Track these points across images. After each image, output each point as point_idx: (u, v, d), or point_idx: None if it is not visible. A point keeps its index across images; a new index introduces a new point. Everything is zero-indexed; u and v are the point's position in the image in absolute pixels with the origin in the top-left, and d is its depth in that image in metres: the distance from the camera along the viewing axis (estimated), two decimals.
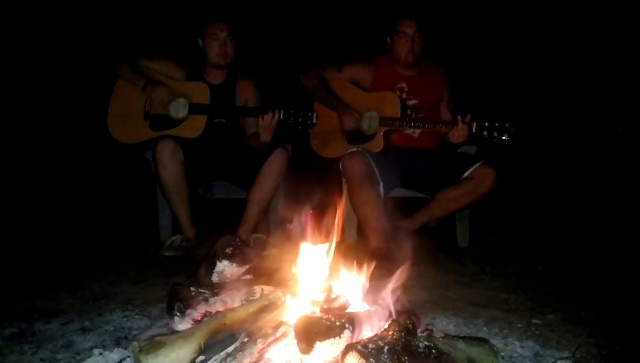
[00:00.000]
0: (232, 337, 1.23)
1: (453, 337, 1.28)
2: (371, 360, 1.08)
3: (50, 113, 5.19)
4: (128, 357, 1.41)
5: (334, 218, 1.55)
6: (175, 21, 5.10)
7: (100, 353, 1.44)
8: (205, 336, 1.21)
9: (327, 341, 1.17)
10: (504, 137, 2.61)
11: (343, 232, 2.89)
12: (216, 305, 1.49)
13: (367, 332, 1.30)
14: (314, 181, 3.19)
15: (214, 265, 1.70)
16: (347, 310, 1.35)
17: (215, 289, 1.56)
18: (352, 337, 1.22)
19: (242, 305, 1.40)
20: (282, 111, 2.75)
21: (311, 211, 1.58)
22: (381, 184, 2.77)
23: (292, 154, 3.02)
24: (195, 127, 2.84)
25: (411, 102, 2.93)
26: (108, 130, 2.90)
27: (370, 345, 1.13)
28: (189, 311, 1.48)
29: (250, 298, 1.44)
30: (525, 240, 3.16)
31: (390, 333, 1.18)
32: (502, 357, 1.46)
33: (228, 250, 1.71)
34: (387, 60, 3.00)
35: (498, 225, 3.55)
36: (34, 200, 4.18)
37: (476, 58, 5.55)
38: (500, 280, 2.32)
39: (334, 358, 1.20)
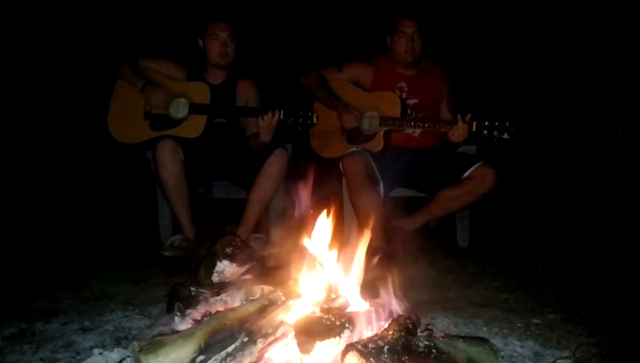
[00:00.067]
0: (232, 337, 1.23)
1: (453, 336, 1.28)
2: (371, 359, 1.08)
3: (50, 113, 5.19)
4: (128, 356, 1.41)
5: (334, 218, 1.55)
6: (175, 21, 5.10)
7: (100, 353, 1.44)
8: (205, 336, 1.21)
9: (327, 341, 1.17)
10: (504, 136, 2.61)
11: (343, 232, 2.91)
12: (216, 305, 1.49)
13: (367, 331, 1.30)
14: (313, 181, 3.19)
15: (214, 265, 1.70)
16: (347, 310, 1.35)
17: (215, 289, 1.56)
18: (352, 337, 1.22)
19: (242, 305, 1.40)
20: (282, 111, 2.75)
21: (311, 211, 1.58)
22: (381, 184, 2.77)
23: (292, 154, 3.02)
24: (195, 127, 2.84)
25: (411, 102, 2.94)
26: (108, 130, 2.90)
27: (370, 345, 1.13)
28: (189, 311, 1.48)
29: (250, 298, 1.45)
30: (525, 240, 3.15)
31: (390, 333, 1.18)
32: (502, 357, 1.46)
33: (228, 250, 1.71)
34: (387, 59, 3.00)
35: (498, 225, 3.55)
36: (34, 200, 4.18)
37: (476, 57, 5.55)
38: (500, 280, 2.32)
39: (334, 358, 1.20)
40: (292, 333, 1.26)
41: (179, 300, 1.51)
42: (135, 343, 1.17)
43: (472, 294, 2.14)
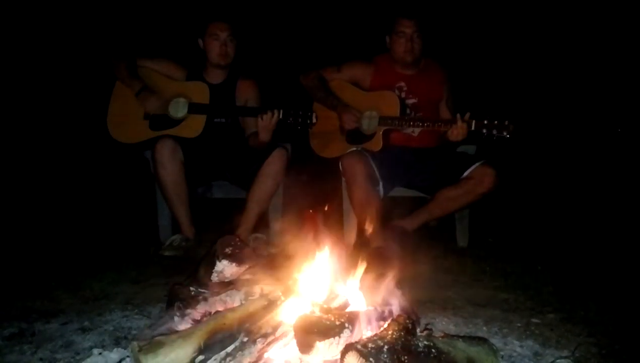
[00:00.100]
0: (231, 337, 1.23)
1: (452, 336, 1.28)
2: (371, 359, 1.08)
3: (50, 113, 5.19)
4: (127, 356, 1.40)
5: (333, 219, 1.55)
6: (175, 21, 5.10)
7: (100, 353, 1.44)
8: (205, 336, 1.21)
9: (326, 341, 1.17)
10: (503, 135, 2.61)
11: (343, 232, 2.92)
12: (216, 305, 1.49)
13: (366, 331, 1.30)
14: (313, 181, 3.20)
15: (214, 265, 1.70)
16: (346, 310, 1.35)
17: (215, 289, 1.56)
18: (351, 337, 1.22)
19: (241, 305, 1.40)
20: (281, 111, 2.75)
21: (310, 211, 1.58)
22: (381, 184, 2.78)
23: (292, 154, 3.01)
24: (194, 126, 2.84)
25: (410, 101, 2.94)
26: (107, 130, 2.90)
27: (370, 345, 1.13)
28: (188, 311, 1.48)
29: (250, 298, 1.45)
30: (525, 240, 3.16)
31: (389, 332, 1.18)
32: (502, 357, 1.46)
33: (228, 250, 1.71)
34: (386, 59, 3.00)
35: (498, 225, 3.55)
36: (34, 200, 4.18)
37: (476, 57, 5.55)
38: (500, 280, 2.32)
39: (333, 358, 1.20)
40: (291, 333, 1.26)
41: (178, 300, 1.51)
42: (135, 343, 1.17)
43: (472, 294, 2.14)
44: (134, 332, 1.67)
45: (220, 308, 1.45)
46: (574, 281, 2.28)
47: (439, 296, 2.08)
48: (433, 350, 1.16)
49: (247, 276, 1.66)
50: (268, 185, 2.77)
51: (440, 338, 1.23)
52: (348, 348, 1.13)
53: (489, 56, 5.67)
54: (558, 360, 1.47)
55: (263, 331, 1.26)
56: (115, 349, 1.46)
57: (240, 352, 1.21)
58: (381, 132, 2.84)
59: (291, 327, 1.26)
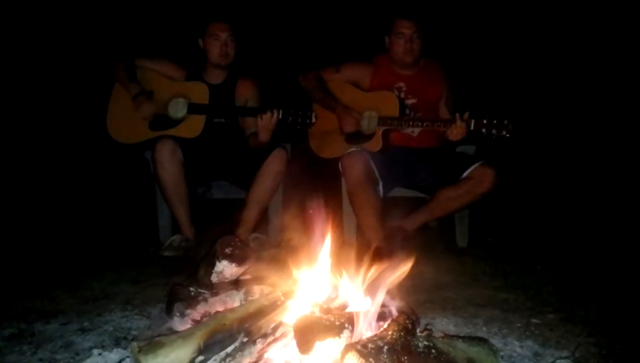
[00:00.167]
0: (231, 337, 1.23)
1: (452, 336, 1.28)
2: (371, 359, 1.08)
3: (49, 113, 5.19)
4: (127, 357, 1.41)
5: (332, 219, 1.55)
6: (175, 21, 5.10)
7: (100, 354, 1.44)
8: (205, 336, 1.21)
9: (326, 341, 1.17)
10: (502, 134, 2.61)
11: (342, 232, 2.92)
12: (215, 305, 1.49)
13: (366, 331, 1.30)
14: (313, 181, 3.20)
15: (214, 265, 1.70)
16: (346, 310, 1.35)
17: (215, 289, 1.56)
18: (351, 337, 1.22)
19: (241, 305, 1.40)
20: (281, 111, 2.75)
21: (310, 211, 1.58)
22: (380, 184, 2.77)
23: (291, 154, 3.01)
24: (194, 127, 2.84)
25: (410, 102, 2.93)
26: (107, 130, 2.90)
27: (370, 345, 1.13)
28: (188, 311, 1.48)
29: (250, 298, 1.45)
30: (525, 240, 3.16)
31: (389, 333, 1.18)
32: (502, 357, 1.46)
33: (227, 250, 1.71)
34: (385, 60, 3.00)
35: (497, 225, 3.55)
36: (33, 200, 4.18)
37: (475, 56, 5.55)
38: (500, 280, 2.32)
39: (333, 358, 1.20)
40: (291, 334, 1.26)
41: (178, 300, 1.51)
42: (135, 344, 1.17)
43: (472, 294, 2.14)
44: (133, 332, 1.67)
45: (220, 309, 1.46)
46: (574, 281, 2.28)
47: (439, 296, 2.08)
48: (433, 351, 1.16)
49: (247, 276, 1.66)
50: (268, 185, 2.77)
51: (440, 339, 1.23)
52: (348, 348, 1.13)
53: (489, 56, 5.67)
54: (558, 361, 1.47)
55: (263, 331, 1.27)
56: (115, 349, 1.47)
57: (240, 353, 1.21)
58: (381, 132, 2.84)
59: (291, 327, 1.26)
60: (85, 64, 4.72)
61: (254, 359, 1.23)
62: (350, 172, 2.72)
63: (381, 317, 1.36)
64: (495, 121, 2.62)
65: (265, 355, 1.26)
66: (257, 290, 1.48)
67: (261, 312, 1.30)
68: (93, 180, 4.88)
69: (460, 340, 1.26)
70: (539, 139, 5.22)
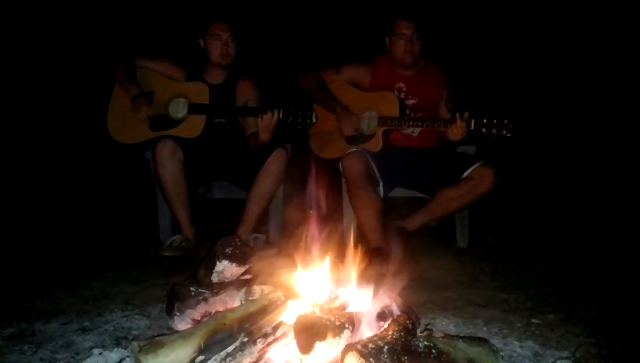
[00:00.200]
0: (231, 337, 1.23)
1: (453, 336, 1.28)
2: (371, 359, 1.08)
3: (50, 113, 5.19)
4: (128, 356, 1.41)
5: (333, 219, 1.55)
6: (175, 21, 5.11)
7: (100, 353, 1.44)
8: (205, 336, 1.21)
9: (327, 341, 1.17)
10: (502, 134, 2.61)
11: (343, 233, 2.92)
12: (216, 305, 1.49)
13: (367, 331, 1.30)
14: (313, 181, 3.20)
15: (214, 265, 1.70)
16: (347, 310, 1.35)
17: (215, 289, 1.56)
18: (351, 337, 1.22)
19: (241, 305, 1.40)
20: (281, 111, 2.75)
21: (310, 211, 1.58)
22: (381, 184, 2.77)
23: (291, 154, 3.01)
24: (194, 127, 2.84)
25: (410, 102, 2.94)
26: (108, 130, 2.90)
27: (370, 345, 1.13)
28: (188, 311, 1.48)
29: (250, 298, 1.45)
30: (525, 240, 3.16)
31: (390, 333, 1.18)
32: (502, 357, 1.46)
33: (228, 250, 1.71)
34: (385, 60, 3.00)
35: (497, 225, 3.55)
36: (34, 200, 4.18)
37: (475, 56, 5.55)
38: (500, 280, 2.32)
39: (333, 358, 1.20)
40: (291, 334, 1.26)
41: (178, 300, 1.51)
42: (135, 343, 1.17)
43: (472, 294, 2.14)
44: (134, 332, 1.67)
45: (220, 309, 1.45)
46: (574, 281, 2.28)
47: (439, 296, 2.08)
48: (433, 351, 1.16)
49: (248, 276, 1.66)
50: (268, 185, 2.77)
51: (440, 339, 1.23)
52: (348, 348, 1.13)
53: (488, 56, 5.67)
54: (558, 361, 1.47)
55: (263, 331, 1.27)
56: (115, 349, 1.47)
57: (240, 352, 1.21)
58: (381, 133, 2.84)
59: (291, 327, 1.26)
60: (86, 64, 4.72)
61: (254, 359, 1.23)
62: (351, 172, 2.72)
63: (381, 317, 1.36)
64: (495, 121, 2.62)
65: (266, 355, 1.26)
66: (257, 290, 1.47)
67: (261, 312, 1.30)
68: (93, 180, 4.88)
69: (461, 340, 1.26)
70: (539, 138, 5.22)
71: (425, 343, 1.18)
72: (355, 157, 2.75)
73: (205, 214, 3.09)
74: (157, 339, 1.19)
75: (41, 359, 1.46)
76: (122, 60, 2.88)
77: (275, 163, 2.76)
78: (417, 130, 2.91)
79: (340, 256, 1.50)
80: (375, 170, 2.77)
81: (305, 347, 1.18)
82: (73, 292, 2.07)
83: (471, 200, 2.72)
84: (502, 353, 1.48)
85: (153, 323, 1.74)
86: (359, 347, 1.12)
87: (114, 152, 3.24)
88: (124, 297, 2.04)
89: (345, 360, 1.11)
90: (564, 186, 5.02)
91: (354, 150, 2.82)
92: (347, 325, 1.22)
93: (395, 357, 1.11)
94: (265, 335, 1.26)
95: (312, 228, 1.53)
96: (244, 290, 1.51)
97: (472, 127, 2.65)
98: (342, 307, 1.36)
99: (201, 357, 1.19)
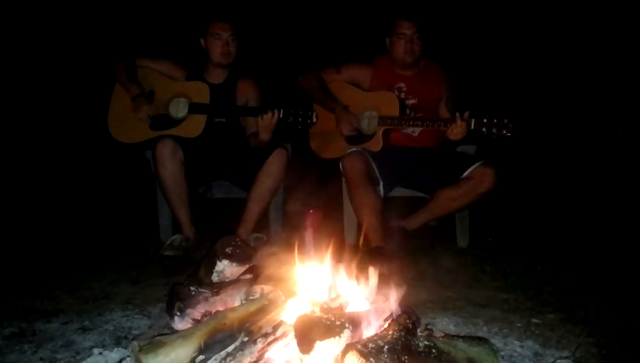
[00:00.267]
0: (232, 337, 1.23)
1: (453, 336, 1.28)
2: (371, 359, 1.08)
3: (50, 112, 5.19)
4: (128, 356, 1.41)
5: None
6: (176, 21, 5.11)
7: (100, 353, 1.44)
8: (205, 335, 1.21)
9: (327, 341, 1.17)
10: (503, 133, 2.60)
11: (343, 232, 2.92)
12: (216, 304, 1.49)
13: (367, 331, 1.30)
14: (314, 181, 3.20)
15: (214, 264, 1.70)
16: (347, 310, 1.35)
17: (215, 289, 1.56)
18: (352, 337, 1.22)
19: (242, 304, 1.40)
20: (281, 111, 2.75)
21: (312, 211, 1.58)
22: (381, 184, 2.78)
23: (292, 154, 3.01)
24: (195, 126, 2.84)
25: (410, 102, 2.94)
26: (108, 129, 2.90)
27: (370, 345, 1.13)
28: (188, 310, 1.48)
29: (250, 297, 1.45)
30: (525, 240, 3.16)
31: (390, 332, 1.18)
32: (502, 357, 1.46)
33: (228, 250, 1.71)
34: (385, 60, 3.00)
35: (498, 225, 3.55)
36: (34, 200, 4.18)
37: (475, 56, 5.55)
38: (500, 280, 2.33)
39: (334, 358, 1.20)
40: (292, 333, 1.26)
41: (178, 299, 1.51)
42: (135, 343, 1.17)
43: (472, 294, 2.14)
44: (134, 331, 1.67)
45: (220, 308, 1.45)
46: (574, 281, 2.28)
47: (439, 296, 2.08)
48: (433, 350, 1.16)
49: (248, 276, 1.66)
50: (268, 185, 2.77)
51: (440, 339, 1.23)
52: (348, 348, 1.13)
53: (489, 56, 5.67)
54: (558, 361, 1.47)
55: (263, 331, 1.27)
56: (115, 349, 1.47)
57: (240, 352, 1.21)
58: (381, 132, 2.84)
59: (291, 326, 1.26)
60: (87, 63, 4.72)
61: (254, 358, 1.23)
62: (351, 172, 2.72)
63: (381, 316, 1.36)
64: (495, 120, 2.62)
65: (266, 355, 1.26)
66: (257, 289, 1.47)
67: (262, 312, 1.30)
68: (94, 179, 4.88)
69: (461, 340, 1.26)
70: (539, 138, 5.22)
71: (426, 342, 1.18)
72: (356, 157, 2.75)
73: (205, 214, 3.09)
74: (157, 339, 1.19)
75: (41, 359, 1.46)
76: (123, 60, 2.88)
77: (275, 163, 2.76)
78: (417, 130, 2.91)
79: (340, 255, 1.50)
80: (376, 169, 2.77)
81: (306, 346, 1.18)
82: (73, 292, 2.07)
83: (471, 199, 2.72)
84: (502, 353, 1.49)
85: (153, 323, 1.74)
86: (359, 346, 1.12)
87: (114, 151, 3.24)
88: (124, 297, 2.04)
89: (345, 359, 1.11)
90: (564, 186, 5.02)
91: (354, 150, 2.82)
92: (347, 325, 1.22)
93: (395, 357, 1.11)
94: (266, 335, 1.26)
95: (312, 228, 1.53)
96: (244, 290, 1.51)
97: (472, 127, 2.65)
98: (342, 307, 1.35)
99: (201, 357, 1.19)
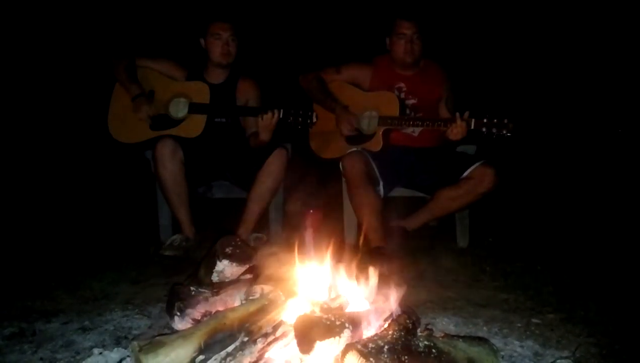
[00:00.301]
0: (232, 337, 1.23)
1: (453, 336, 1.28)
2: (371, 359, 1.08)
3: (50, 112, 5.19)
4: (128, 356, 1.41)
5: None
6: (176, 21, 5.11)
7: (100, 353, 1.44)
8: (205, 335, 1.21)
9: (327, 341, 1.17)
10: (503, 133, 2.60)
11: (343, 232, 2.92)
12: (216, 304, 1.49)
13: (367, 331, 1.30)
14: (314, 181, 3.20)
15: (214, 264, 1.70)
16: (347, 310, 1.35)
17: (215, 289, 1.56)
18: (352, 337, 1.22)
19: (242, 304, 1.40)
20: (281, 111, 2.75)
21: (312, 211, 1.59)
22: (381, 184, 2.78)
23: (292, 154, 3.01)
24: (195, 126, 2.84)
25: (410, 102, 2.94)
26: (108, 129, 2.90)
27: (370, 345, 1.13)
28: (188, 310, 1.48)
29: (251, 297, 1.45)
30: (525, 240, 3.16)
31: (390, 332, 1.18)
32: (502, 357, 1.46)
33: (228, 250, 1.71)
34: (385, 60, 3.00)
35: (498, 225, 3.55)
36: (34, 200, 4.18)
37: (475, 56, 5.55)
38: (500, 280, 2.33)
39: (334, 358, 1.20)
40: (292, 333, 1.26)
41: (178, 299, 1.51)
42: (135, 343, 1.17)
43: (472, 294, 2.14)
44: (134, 331, 1.67)
45: (220, 308, 1.45)
46: (574, 281, 2.28)
47: (439, 296, 2.08)
48: (433, 350, 1.16)
49: (248, 276, 1.66)
50: (268, 185, 2.77)
51: (440, 339, 1.23)
52: (348, 348, 1.13)
53: (488, 56, 5.67)
54: (558, 361, 1.47)
55: (263, 331, 1.27)
56: (115, 349, 1.47)
57: (240, 352, 1.21)
58: (381, 132, 2.84)
59: (291, 326, 1.26)
60: (87, 63, 4.72)
61: (254, 359, 1.23)
62: (351, 172, 2.72)
63: (381, 316, 1.36)
64: (495, 120, 2.62)
65: (266, 355, 1.26)
66: (257, 289, 1.47)
67: (262, 312, 1.30)
68: (94, 179, 4.88)
69: (461, 340, 1.26)
70: (539, 138, 5.22)
71: (426, 342, 1.18)
72: (356, 157, 2.75)
73: (206, 214, 3.09)
74: (157, 339, 1.19)
75: (41, 359, 1.46)
76: (123, 60, 2.88)
77: (275, 163, 2.76)
78: (417, 130, 2.91)
79: (340, 255, 1.50)
80: (376, 169, 2.77)
81: (306, 346, 1.18)
82: (73, 292, 2.07)
83: (471, 199, 2.72)
84: (502, 353, 1.49)
85: (153, 323, 1.74)
86: (359, 346, 1.12)
87: (114, 151, 3.24)
88: (124, 297, 2.04)
89: (345, 359, 1.11)
90: (564, 186, 5.02)
91: (354, 150, 2.82)
92: (347, 325, 1.22)
93: (395, 357, 1.11)
94: (266, 335, 1.26)
95: (312, 228, 1.53)
96: (244, 290, 1.51)
97: (472, 127, 2.65)
98: (342, 307, 1.36)
99: (201, 357, 1.19)
